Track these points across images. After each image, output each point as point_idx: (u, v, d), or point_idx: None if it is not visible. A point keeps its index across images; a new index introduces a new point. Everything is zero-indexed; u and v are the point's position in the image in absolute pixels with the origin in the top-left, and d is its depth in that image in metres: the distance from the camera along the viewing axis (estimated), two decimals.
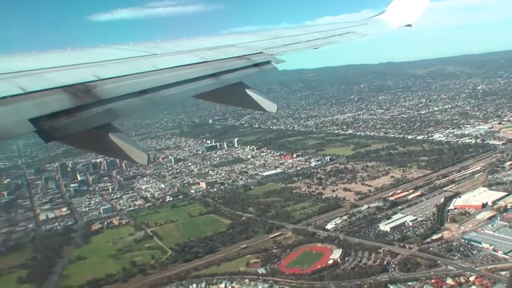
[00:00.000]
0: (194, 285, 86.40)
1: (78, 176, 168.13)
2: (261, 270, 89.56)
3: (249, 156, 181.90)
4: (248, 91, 7.93)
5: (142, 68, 6.82)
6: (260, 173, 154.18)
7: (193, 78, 7.12)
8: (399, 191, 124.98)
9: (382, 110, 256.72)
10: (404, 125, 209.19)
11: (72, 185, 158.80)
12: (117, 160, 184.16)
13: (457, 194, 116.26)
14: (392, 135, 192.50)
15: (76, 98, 5.04)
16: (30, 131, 4.20)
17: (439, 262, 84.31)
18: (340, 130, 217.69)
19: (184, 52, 8.69)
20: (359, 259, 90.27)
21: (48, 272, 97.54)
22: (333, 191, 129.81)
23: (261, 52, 9.75)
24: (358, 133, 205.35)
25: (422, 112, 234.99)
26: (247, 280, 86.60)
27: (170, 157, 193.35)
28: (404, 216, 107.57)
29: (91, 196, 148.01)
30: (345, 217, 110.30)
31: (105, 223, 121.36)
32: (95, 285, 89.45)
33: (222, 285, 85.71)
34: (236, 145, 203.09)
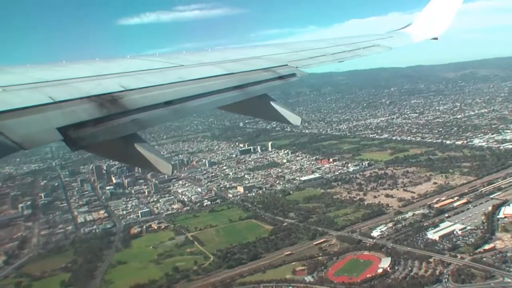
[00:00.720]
0: None
1: (113, 178, 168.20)
2: (308, 278, 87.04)
3: (284, 160, 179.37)
4: (272, 104, 7.98)
5: (168, 79, 6.89)
6: (297, 178, 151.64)
7: (219, 90, 7.15)
8: (443, 198, 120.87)
9: (416, 114, 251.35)
10: (440, 129, 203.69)
11: (107, 187, 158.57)
12: None
13: (505, 202, 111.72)
14: (430, 140, 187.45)
15: (102, 108, 5.09)
16: (57, 140, 4.24)
17: (495, 273, 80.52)
18: (375, 135, 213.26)
19: (210, 64, 8.78)
20: (410, 268, 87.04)
21: (90, 276, 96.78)
22: (375, 197, 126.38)
23: (286, 65, 9.71)
24: (394, 138, 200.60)
25: (458, 117, 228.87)
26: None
27: (203, 160, 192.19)
28: (453, 225, 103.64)
29: (128, 199, 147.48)
30: (390, 225, 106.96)
31: (144, 227, 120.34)
32: None
33: None
34: (270, 149, 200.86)
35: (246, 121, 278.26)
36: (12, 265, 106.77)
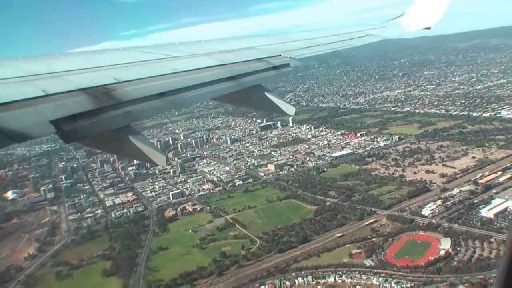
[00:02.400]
0: (300, 279, 79.90)
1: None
2: (368, 262, 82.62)
3: (309, 136, 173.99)
4: (267, 94, 7.95)
5: (161, 70, 6.77)
6: (328, 154, 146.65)
7: (212, 81, 7.01)
8: (487, 173, 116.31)
9: (432, 86, 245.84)
10: (463, 101, 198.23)
11: (129, 168, 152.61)
12: (170, 141, 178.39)
13: None
14: (455, 113, 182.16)
15: (96, 100, 5.03)
16: (51, 133, 4.26)
17: None
18: (397, 108, 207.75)
19: (203, 55, 8.65)
20: (472, 249, 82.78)
21: (132, 264, 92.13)
22: (415, 173, 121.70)
23: (280, 55, 9.52)
24: (416, 111, 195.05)
25: (478, 88, 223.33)
26: (357, 273, 79.81)
27: (223, 137, 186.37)
28: (505, 201, 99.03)
29: (153, 180, 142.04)
30: (439, 202, 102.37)
31: (179, 209, 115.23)
32: (188, 279, 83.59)
33: (331, 279, 79.06)
34: (291, 124, 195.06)
35: None
36: (47, 253, 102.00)
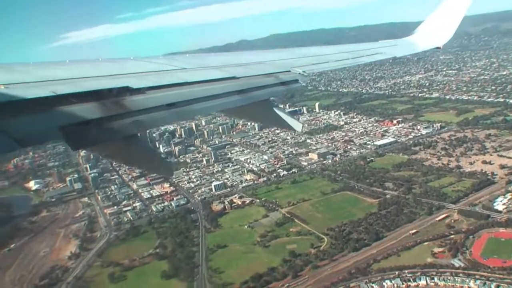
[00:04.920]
0: (388, 281, 72.97)
1: (161, 147, 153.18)
2: (456, 262, 75.95)
3: (342, 123, 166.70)
4: (275, 110, 7.97)
5: (171, 81, 6.65)
6: (369, 142, 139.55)
7: (221, 94, 6.89)
8: None
9: (454, 71, 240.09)
10: (493, 88, 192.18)
11: None
12: (193, 127, 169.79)
13: None
14: (490, 99, 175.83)
15: (105, 108, 4.97)
16: (59, 139, 4.22)
17: None
18: (424, 94, 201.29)
19: (213, 67, 8.62)
20: None
21: (191, 264, 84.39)
22: (471, 164, 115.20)
23: (289, 71, 9.42)
24: (447, 97, 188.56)
25: (503, 73, 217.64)
26: (448, 274, 73.15)
27: (249, 123, 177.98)
28: None
29: (187, 170, 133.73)
30: (509, 196, 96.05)
31: (226, 202, 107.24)
32: (261, 282, 75.99)
33: (422, 281, 72.25)
34: (317, 110, 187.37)
35: None
36: (90, 251, 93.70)
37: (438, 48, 18.73)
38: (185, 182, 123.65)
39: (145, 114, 5.25)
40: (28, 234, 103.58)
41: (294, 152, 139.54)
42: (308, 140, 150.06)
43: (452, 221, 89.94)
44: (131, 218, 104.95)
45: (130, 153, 5.23)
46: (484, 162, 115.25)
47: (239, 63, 9.38)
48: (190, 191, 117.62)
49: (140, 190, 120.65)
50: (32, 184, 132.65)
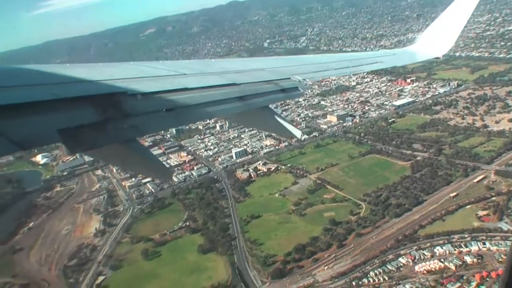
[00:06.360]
0: (439, 248, 70.33)
1: None
2: (504, 225, 73.50)
3: (353, 83, 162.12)
4: (275, 117, 7.65)
5: (171, 86, 6.48)
6: (386, 103, 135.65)
7: (221, 100, 6.69)
8: None
9: None
10: (502, 44, 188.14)
11: None
12: None
13: None
14: (501, 56, 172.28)
15: (103, 112, 4.91)
16: (56, 142, 4.18)
17: None
18: None
19: (213, 73, 8.33)
20: None
21: (227, 237, 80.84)
22: (497, 122, 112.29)
23: (289, 78, 9.09)
24: (457, 54, 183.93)
25: (510, 28, 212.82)
26: (498, 238, 70.75)
27: None
28: None
29: (201, 137, 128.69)
30: None
31: (251, 170, 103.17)
32: (306, 253, 72.87)
33: (474, 247, 69.67)
34: None
35: (269, 41, 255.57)
36: (116, 227, 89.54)
37: (437, 58, 18.18)
38: (202, 150, 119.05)
39: (145, 119, 5.10)
40: (46, 211, 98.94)
41: (310, 115, 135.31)
42: (322, 102, 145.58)
43: (491, 182, 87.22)
44: (153, 190, 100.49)
45: (129, 157, 5.00)
46: (511, 120, 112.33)
47: (239, 70, 9.17)
48: (210, 159, 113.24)
49: None
50: (40, 158, 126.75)
